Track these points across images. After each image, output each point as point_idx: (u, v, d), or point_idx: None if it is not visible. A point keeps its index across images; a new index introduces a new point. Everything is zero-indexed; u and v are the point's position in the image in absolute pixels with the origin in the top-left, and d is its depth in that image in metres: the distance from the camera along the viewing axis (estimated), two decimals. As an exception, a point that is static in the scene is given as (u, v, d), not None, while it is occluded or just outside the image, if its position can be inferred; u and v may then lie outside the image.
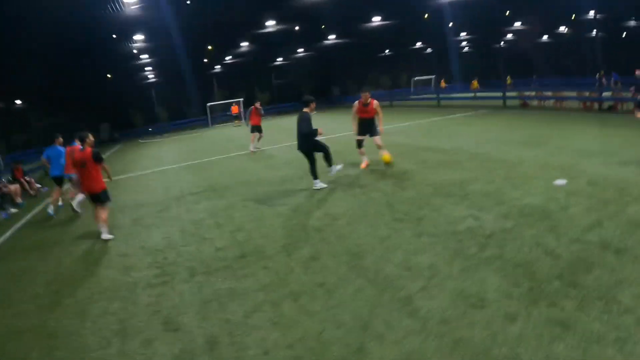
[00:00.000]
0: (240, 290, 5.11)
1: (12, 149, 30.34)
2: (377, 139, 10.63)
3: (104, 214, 8.04)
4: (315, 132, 9.20)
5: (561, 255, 4.95)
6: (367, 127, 10.68)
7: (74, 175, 9.83)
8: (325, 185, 9.42)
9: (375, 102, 10.50)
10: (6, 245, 8.73)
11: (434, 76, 47.95)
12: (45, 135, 32.23)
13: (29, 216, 11.08)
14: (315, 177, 9.47)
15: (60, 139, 11.04)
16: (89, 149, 7.98)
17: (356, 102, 10.65)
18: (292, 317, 4.35)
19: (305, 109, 9.43)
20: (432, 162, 10.77)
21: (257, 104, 18.40)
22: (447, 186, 8.35)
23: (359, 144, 10.93)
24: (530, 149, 10.99)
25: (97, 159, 7.95)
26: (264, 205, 8.82)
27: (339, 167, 9.81)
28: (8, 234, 9.55)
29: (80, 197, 10.19)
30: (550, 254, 5.00)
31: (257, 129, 17.59)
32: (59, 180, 10.87)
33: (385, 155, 10.47)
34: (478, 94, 29.47)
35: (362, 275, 5.06)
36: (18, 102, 38.75)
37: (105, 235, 7.92)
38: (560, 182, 7.75)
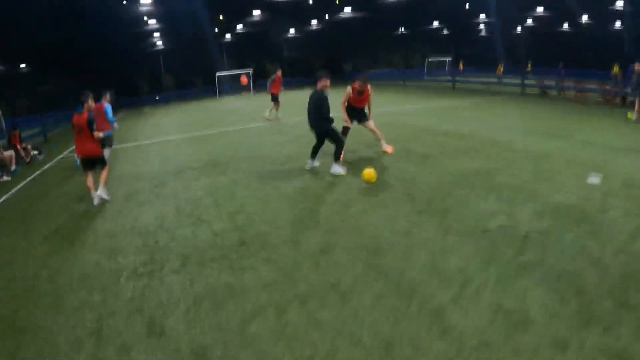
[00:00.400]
0: (238, 287, 4.39)
1: (17, 114, 29.51)
2: (370, 123, 9.57)
3: (104, 174, 8.00)
4: (329, 120, 8.24)
5: (608, 267, 4.23)
6: (357, 115, 9.51)
7: (108, 132, 10.41)
8: (342, 172, 8.32)
9: (370, 88, 9.35)
10: (-9, 218, 8.04)
11: (449, 58, 46.53)
12: (50, 100, 31.46)
13: (20, 185, 10.37)
14: (335, 158, 8.44)
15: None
16: (86, 114, 7.65)
17: (349, 87, 9.29)
18: (299, 328, 3.63)
19: (318, 87, 8.38)
20: (450, 147, 9.94)
21: (279, 72, 17.71)
22: (471, 176, 7.56)
23: (345, 131, 9.50)
24: (555, 140, 10.08)
25: (90, 127, 7.63)
26: (268, 185, 8.08)
27: (341, 170, 8.39)
28: (-5, 205, 8.88)
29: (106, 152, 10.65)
30: (596, 265, 4.28)
31: (277, 98, 17.31)
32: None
33: (367, 172, 7.58)
34: (497, 80, 28.45)
35: (381, 278, 4.33)
36: (22, 66, 37.85)
37: (102, 192, 7.89)
38: (594, 179, 6.95)
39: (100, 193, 7.88)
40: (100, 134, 7.86)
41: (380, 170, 8.35)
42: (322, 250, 5.07)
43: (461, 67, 40.28)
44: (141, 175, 10.00)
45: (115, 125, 11.28)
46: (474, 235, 5.16)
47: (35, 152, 14.20)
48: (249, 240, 5.55)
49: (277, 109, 17.50)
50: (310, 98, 8.45)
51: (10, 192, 9.66)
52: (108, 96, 11.10)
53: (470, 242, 4.99)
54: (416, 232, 5.37)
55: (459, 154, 9.21)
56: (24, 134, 17.29)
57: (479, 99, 20.39)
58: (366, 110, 9.61)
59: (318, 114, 8.30)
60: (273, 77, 17.45)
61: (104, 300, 4.43)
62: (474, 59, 48.87)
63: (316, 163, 8.86)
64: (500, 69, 32.72)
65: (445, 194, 6.72)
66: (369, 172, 7.49)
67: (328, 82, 8.44)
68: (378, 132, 9.72)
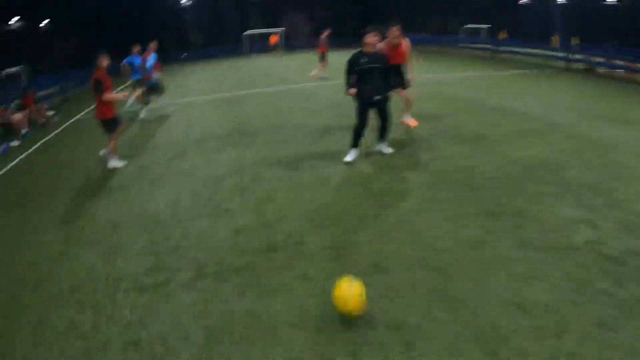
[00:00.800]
0: (265, 319, 3.35)
1: (38, 72, 28.72)
2: (408, 93, 8.01)
3: (112, 141, 7.56)
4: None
5: None
6: (393, 77, 7.27)
7: (151, 81, 11.89)
8: (350, 160, 6.84)
9: (406, 41, 7.76)
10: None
11: (487, 26, 43.60)
12: (71, 59, 30.57)
13: (27, 152, 9.49)
14: (352, 143, 6.91)
15: (137, 48, 12.25)
16: (96, 73, 7.14)
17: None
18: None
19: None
20: (505, 127, 8.49)
21: (327, 32, 17.64)
22: (538, 167, 6.24)
23: None
24: (616, 126, 8.42)
25: (96, 88, 7.09)
26: (303, 164, 6.96)
27: (348, 157, 6.87)
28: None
29: (163, 101, 12.43)
30: None
31: (324, 56, 17.21)
32: (140, 83, 12.23)
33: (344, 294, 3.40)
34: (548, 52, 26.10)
35: (453, 315, 3.23)
36: (44, 23, 36.83)
37: (114, 163, 7.60)
38: None
39: (110, 165, 7.61)
40: (109, 96, 7.22)
41: (429, 152, 7.16)
42: (374, 264, 3.97)
43: (504, 35, 37.65)
44: (157, 144, 9.03)
45: (154, 75, 11.86)
46: (559, 253, 3.99)
47: (52, 113, 13.36)
48: (279, 244, 4.49)
49: (320, 68, 17.09)
50: None
51: (14, 162, 8.80)
52: (153, 45, 11.99)
53: (555, 262, 3.84)
54: (488, 243, 4.23)
55: (516, 137, 7.84)
56: (43, 93, 16.54)
57: (521, 71, 18.33)
58: (404, 71, 7.94)
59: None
60: (324, 36, 17.33)
61: (96, 323, 3.49)
62: (516, 28, 45.80)
63: (386, 148, 7.26)
64: (557, 40, 30.11)
65: (515, 190, 5.49)
66: (347, 297, 3.27)
67: (374, 40, 6.51)
68: (411, 101, 8.25)
